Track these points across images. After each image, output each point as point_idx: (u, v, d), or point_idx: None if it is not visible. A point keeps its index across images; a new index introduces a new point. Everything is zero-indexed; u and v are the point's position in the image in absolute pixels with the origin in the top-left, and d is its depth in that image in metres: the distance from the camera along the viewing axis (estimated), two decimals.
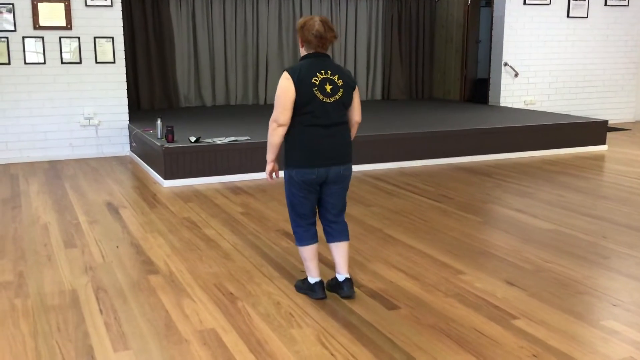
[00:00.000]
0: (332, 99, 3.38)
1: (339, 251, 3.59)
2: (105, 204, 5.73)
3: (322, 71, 3.37)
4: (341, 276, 3.59)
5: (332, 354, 2.96)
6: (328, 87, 3.36)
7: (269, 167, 3.55)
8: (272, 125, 3.40)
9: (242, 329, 3.23)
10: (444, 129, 7.72)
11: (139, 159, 7.59)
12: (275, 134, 3.39)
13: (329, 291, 3.64)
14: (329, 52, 3.63)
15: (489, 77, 10.63)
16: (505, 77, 10.39)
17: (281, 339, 3.11)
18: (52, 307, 3.51)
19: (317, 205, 3.59)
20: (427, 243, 4.59)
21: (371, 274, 3.99)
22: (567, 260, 4.23)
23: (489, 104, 10.60)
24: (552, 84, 10.77)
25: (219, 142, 6.60)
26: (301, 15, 10.63)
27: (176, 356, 2.96)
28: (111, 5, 7.84)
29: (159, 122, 6.84)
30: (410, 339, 3.11)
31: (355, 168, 7.12)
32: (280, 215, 5.21)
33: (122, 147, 8.18)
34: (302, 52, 3.46)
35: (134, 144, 7.88)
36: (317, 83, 3.34)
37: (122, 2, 8.09)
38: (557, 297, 3.61)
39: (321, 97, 3.35)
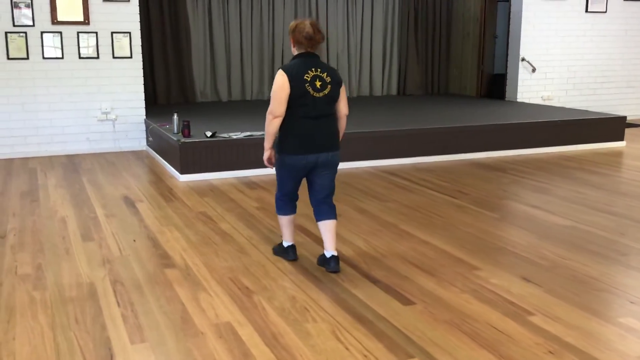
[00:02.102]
0: (321, 94, 3.77)
1: (326, 229, 3.95)
2: (122, 197, 5.78)
3: (313, 69, 3.76)
4: (329, 253, 3.94)
5: (347, 349, 2.97)
6: (318, 83, 3.75)
7: (266, 154, 3.92)
8: (268, 117, 3.78)
9: (257, 322, 3.24)
10: (460, 125, 7.68)
11: (156, 154, 7.64)
12: (272, 125, 3.78)
13: (319, 265, 4.02)
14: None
15: (506, 73, 10.55)
16: (523, 73, 10.32)
17: (296, 333, 3.12)
18: (70, 299, 3.55)
19: (308, 189, 4.01)
20: (443, 239, 4.58)
21: (386, 269, 3.98)
22: (584, 256, 4.20)
23: (506, 99, 10.53)
24: (570, 80, 10.67)
25: (234, 137, 6.62)
26: (317, 11, 10.64)
27: (192, 349, 2.98)
28: (128, 1, 7.88)
29: (175, 116, 6.87)
30: (425, 335, 3.11)
31: (371, 163, 7.13)
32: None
33: (138, 141, 8.23)
34: (294, 51, 3.86)
35: (150, 139, 7.93)
36: (308, 79, 3.73)
37: None
38: (573, 294, 3.59)
39: (312, 92, 3.74)
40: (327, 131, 3.87)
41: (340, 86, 3.87)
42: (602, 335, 3.11)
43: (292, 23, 3.82)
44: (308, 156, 3.81)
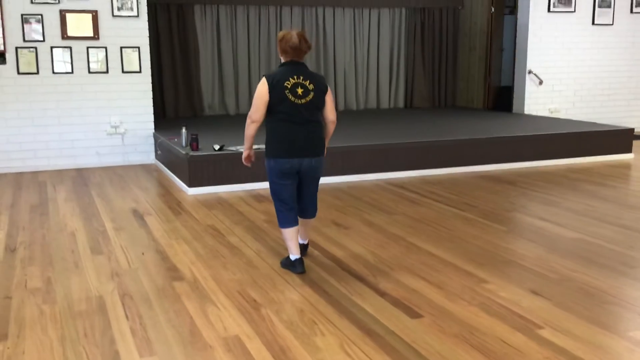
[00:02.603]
0: (303, 101, 3.94)
1: (304, 224, 4.33)
2: (131, 211, 5.81)
3: (295, 76, 3.94)
4: (302, 240, 4.36)
5: None
6: (300, 90, 3.93)
7: (245, 153, 4.24)
8: (247, 121, 4.04)
9: (265, 336, 3.25)
10: (467, 137, 7.69)
11: (164, 167, 7.68)
12: (250, 129, 4.05)
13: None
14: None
15: (513, 85, 10.56)
16: (530, 85, 10.32)
17: (304, 347, 3.12)
18: (79, 313, 3.56)
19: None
20: (451, 251, 4.57)
21: (394, 282, 3.98)
22: (593, 269, 4.19)
23: (513, 112, 10.53)
24: (577, 92, 10.67)
25: (242, 150, 6.63)
26: (325, 24, 10.71)
27: None
28: (137, 16, 7.96)
29: (183, 130, 6.92)
30: (433, 348, 3.10)
31: (378, 176, 7.14)
32: None
33: (147, 155, 8.28)
34: (282, 59, 4.06)
35: (159, 152, 7.97)
36: (288, 87, 3.92)
37: (148, 12, 8.20)
38: (583, 307, 3.57)
39: (292, 98, 3.92)
40: (310, 137, 4.01)
41: (325, 93, 4.03)
42: (611, 349, 3.09)
43: (280, 33, 4.02)
44: (292, 160, 3.98)
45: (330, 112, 4.09)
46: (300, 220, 4.23)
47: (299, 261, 4.14)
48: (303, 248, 4.37)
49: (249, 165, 4.34)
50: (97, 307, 3.63)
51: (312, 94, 3.96)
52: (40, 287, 3.95)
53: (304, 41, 3.95)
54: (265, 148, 4.08)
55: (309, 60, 10.68)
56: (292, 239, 4.12)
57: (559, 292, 3.79)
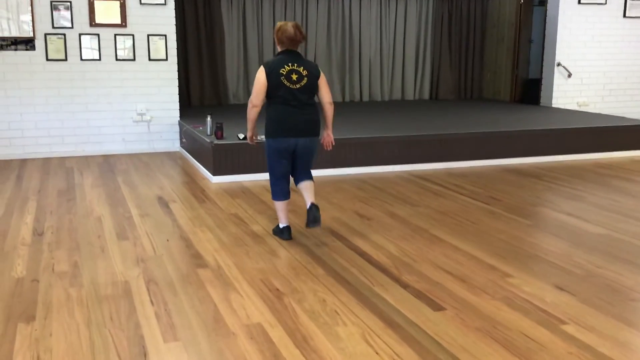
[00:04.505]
0: (297, 85, 4.36)
1: (305, 187, 4.56)
2: (156, 198, 5.87)
3: (289, 64, 4.35)
4: (308, 203, 4.53)
5: (376, 353, 2.97)
6: (294, 76, 4.35)
7: (248, 134, 4.68)
8: (249, 105, 4.46)
9: (287, 324, 3.27)
10: (493, 130, 7.62)
11: (189, 155, 7.73)
12: (251, 112, 4.47)
13: (306, 219, 4.53)
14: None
15: (541, 78, 10.42)
16: (558, 78, 10.18)
17: (326, 336, 3.14)
18: (105, 297, 3.62)
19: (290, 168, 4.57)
20: (475, 245, 4.55)
21: (417, 274, 3.97)
22: (619, 266, 4.13)
23: (541, 104, 10.40)
24: (607, 85, 10.50)
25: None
26: (351, 14, 10.66)
27: (224, 349, 3.01)
28: (165, 4, 8.00)
29: (208, 118, 6.95)
30: (456, 341, 3.09)
31: (403, 168, 7.12)
32: (326, 213, 5.24)
33: (172, 142, 8.34)
34: (278, 49, 4.45)
35: (184, 140, 8.03)
36: (284, 73, 4.33)
37: (175, 1, 8.23)
38: (608, 304, 3.53)
39: (287, 84, 4.34)
40: (306, 118, 4.43)
41: (318, 78, 4.44)
42: (636, 346, 3.06)
43: (278, 24, 4.41)
44: (289, 139, 4.41)
45: (325, 95, 4.50)
46: (301, 185, 4.57)
47: (287, 229, 4.63)
48: (314, 209, 4.50)
49: (253, 144, 4.81)
50: (123, 292, 3.68)
51: (305, 79, 4.38)
52: (67, 271, 4.02)
53: (299, 32, 4.36)
54: (265, 129, 4.48)
55: (334, 51, 10.67)
56: (282, 209, 4.59)
57: (584, 288, 3.75)
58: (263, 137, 4.61)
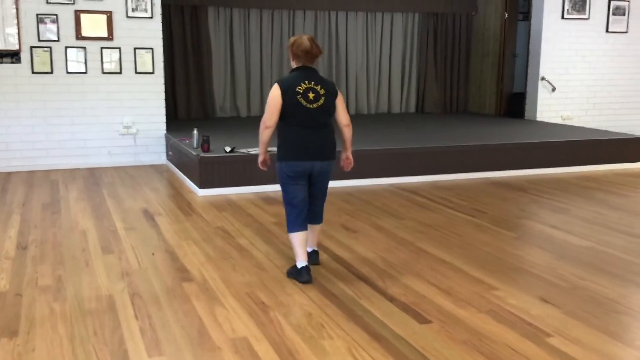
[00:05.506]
0: (314, 105, 3.98)
1: (312, 230, 4.28)
2: (141, 211, 5.84)
3: (306, 81, 3.98)
4: (310, 248, 4.29)
5: None
6: (311, 95, 3.97)
7: (260, 157, 4.26)
8: (261, 126, 4.08)
9: (273, 338, 3.25)
10: (479, 143, 7.67)
11: (175, 168, 7.71)
12: (264, 134, 4.09)
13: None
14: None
15: (526, 92, 10.52)
16: (542, 92, 10.29)
17: (312, 350, 3.13)
18: (89, 311, 3.59)
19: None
20: (460, 257, 4.56)
21: (403, 287, 3.98)
22: (603, 278, 4.16)
23: (525, 118, 10.49)
24: (590, 99, 10.62)
25: (253, 152, 6.66)
26: (337, 27, 10.72)
27: None
28: (152, 17, 8.01)
29: (195, 131, 6.95)
30: (442, 354, 3.09)
31: (389, 181, 7.13)
32: None
33: (159, 155, 8.32)
34: (293, 65, 4.08)
35: (170, 153, 8.01)
36: (301, 92, 3.96)
37: (162, 14, 8.25)
38: (592, 316, 3.56)
39: (305, 103, 3.96)
40: (322, 140, 4.07)
41: (336, 97, 4.07)
42: (620, 359, 3.07)
43: (292, 38, 4.06)
44: (305, 163, 4.01)
45: (343, 116, 4.14)
46: (310, 227, 4.22)
47: (306, 269, 4.03)
48: (314, 255, 4.32)
49: (265, 169, 4.37)
50: (107, 306, 3.65)
51: (323, 98, 4.00)
52: (51, 285, 3.98)
53: (315, 45, 4.00)
54: (277, 151, 4.10)
55: (321, 64, 10.71)
56: (300, 244, 4.06)
57: (569, 300, 3.77)
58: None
